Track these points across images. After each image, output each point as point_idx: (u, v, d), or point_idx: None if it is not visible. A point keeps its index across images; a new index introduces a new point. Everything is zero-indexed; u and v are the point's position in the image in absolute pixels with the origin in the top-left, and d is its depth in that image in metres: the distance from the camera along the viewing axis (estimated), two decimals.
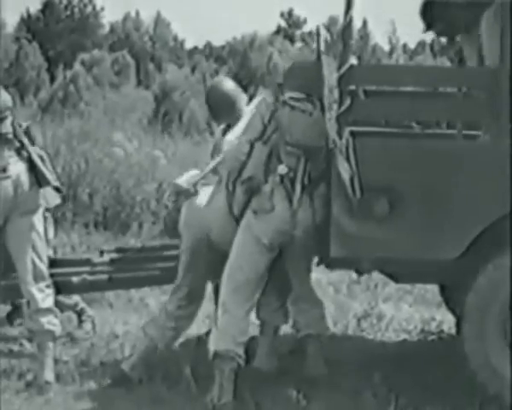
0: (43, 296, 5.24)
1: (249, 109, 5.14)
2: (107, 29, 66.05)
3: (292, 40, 64.27)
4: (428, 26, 5.60)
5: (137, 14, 66.09)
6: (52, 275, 5.46)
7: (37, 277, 5.25)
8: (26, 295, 5.27)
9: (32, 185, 5.27)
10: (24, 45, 54.85)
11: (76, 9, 63.55)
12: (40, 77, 52.18)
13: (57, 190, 5.51)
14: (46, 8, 62.22)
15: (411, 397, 4.77)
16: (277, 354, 5.35)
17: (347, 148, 4.56)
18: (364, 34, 59.62)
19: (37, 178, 5.30)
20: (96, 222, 10.98)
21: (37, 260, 5.26)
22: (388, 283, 7.35)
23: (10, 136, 5.30)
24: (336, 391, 4.92)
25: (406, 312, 7.04)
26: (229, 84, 5.44)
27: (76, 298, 6.35)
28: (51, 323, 5.22)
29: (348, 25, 4.70)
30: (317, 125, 4.83)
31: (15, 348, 5.92)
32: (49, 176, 5.34)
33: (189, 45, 69.37)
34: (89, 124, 16.81)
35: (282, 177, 4.80)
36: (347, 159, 4.55)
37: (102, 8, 65.72)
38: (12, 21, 75.16)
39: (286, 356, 5.46)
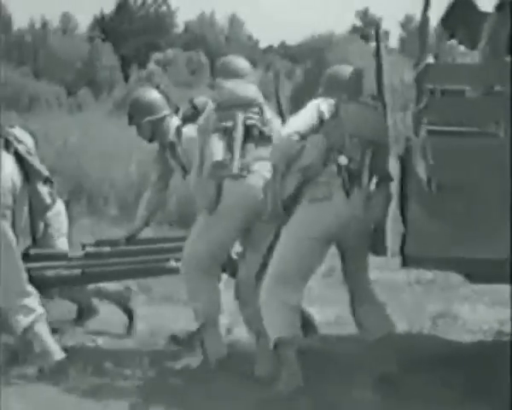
0: None
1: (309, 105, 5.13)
2: (181, 29, 66.66)
3: (367, 39, 64.04)
4: (451, 36, 5.58)
5: (212, 14, 66.56)
6: (28, 269, 5.56)
7: None
8: None
9: (23, 180, 5.41)
10: (97, 45, 55.71)
11: (151, 9, 64.31)
12: (113, 76, 52.94)
13: (48, 180, 5.56)
14: (120, 8, 63.10)
15: (486, 399, 4.72)
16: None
17: (424, 146, 4.55)
18: (441, 33, 58.98)
19: (27, 174, 5.43)
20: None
21: None
22: (464, 283, 7.28)
23: None
24: (410, 391, 4.87)
25: (482, 312, 6.97)
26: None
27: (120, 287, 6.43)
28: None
29: (425, 23, 4.70)
30: (382, 120, 4.90)
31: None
32: (40, 167, 5.44)
33: (263, 45, 69.44)
34: None
35: (340, 167, 4.78)
36: (424, 157, 4.54)
37: (177, 8, 66.34)
38: (86, 21, 76.38)
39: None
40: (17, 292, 5.30)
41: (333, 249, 5.10)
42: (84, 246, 6.15)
